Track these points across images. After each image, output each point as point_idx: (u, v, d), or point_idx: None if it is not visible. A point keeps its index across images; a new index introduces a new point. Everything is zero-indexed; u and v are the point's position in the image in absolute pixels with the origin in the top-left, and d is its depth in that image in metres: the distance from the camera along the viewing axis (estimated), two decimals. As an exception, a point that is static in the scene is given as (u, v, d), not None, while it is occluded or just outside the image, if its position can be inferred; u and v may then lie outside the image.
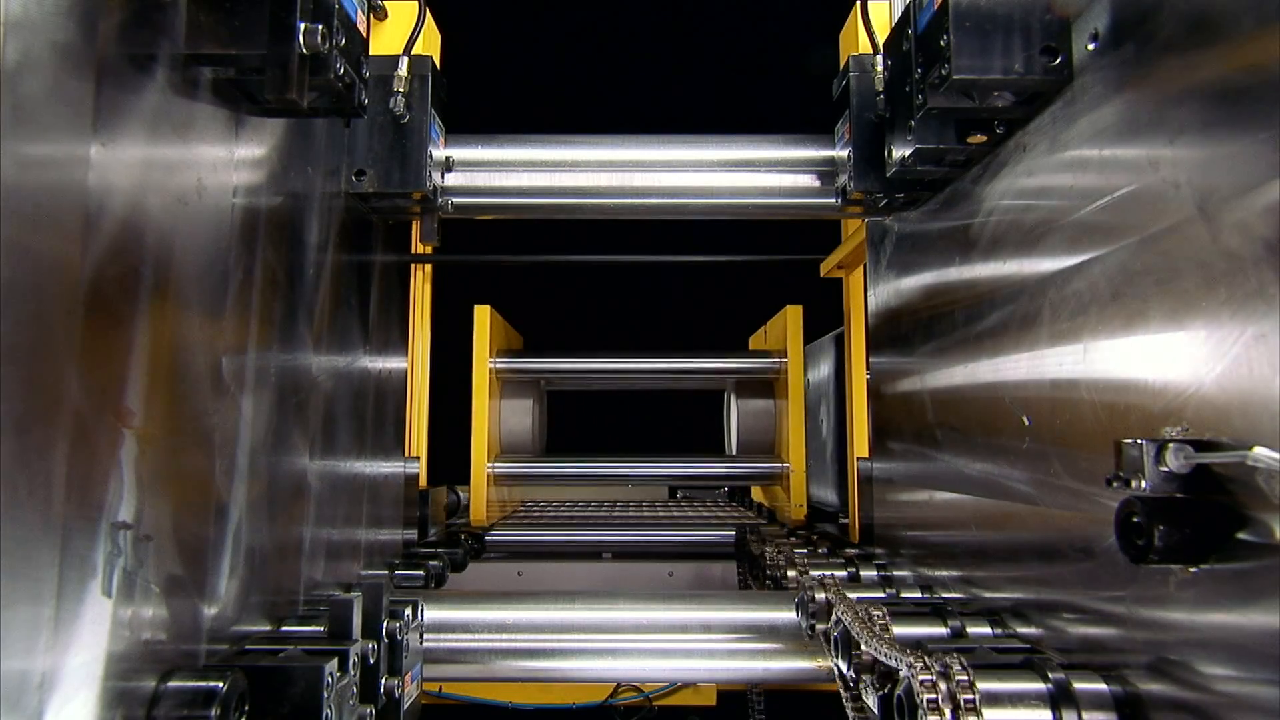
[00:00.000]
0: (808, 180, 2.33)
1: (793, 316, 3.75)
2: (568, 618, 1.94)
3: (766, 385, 4.09)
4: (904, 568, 2.22)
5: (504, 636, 1.90)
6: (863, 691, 1.56)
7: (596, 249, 3.65)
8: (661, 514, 4.21)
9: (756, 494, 4.57)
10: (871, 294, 2.49)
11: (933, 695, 1.25)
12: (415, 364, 2.74)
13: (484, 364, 3.58)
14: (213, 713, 1.21)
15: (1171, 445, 1.05)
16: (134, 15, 1.17)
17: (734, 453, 4.27)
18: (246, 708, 1.29)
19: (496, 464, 3.68)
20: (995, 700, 1.27)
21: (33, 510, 0.97)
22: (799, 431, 3.59)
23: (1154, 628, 1.17)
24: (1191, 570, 1.07)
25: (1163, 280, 1.15)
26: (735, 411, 4.16)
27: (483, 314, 3.62)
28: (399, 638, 1.61)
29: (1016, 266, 1.58)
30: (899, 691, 1.34)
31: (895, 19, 1.88)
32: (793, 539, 2.88)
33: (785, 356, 3.77)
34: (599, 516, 4.10)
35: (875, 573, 2.29)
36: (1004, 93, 1.51)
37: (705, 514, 4.18)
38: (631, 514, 4.20)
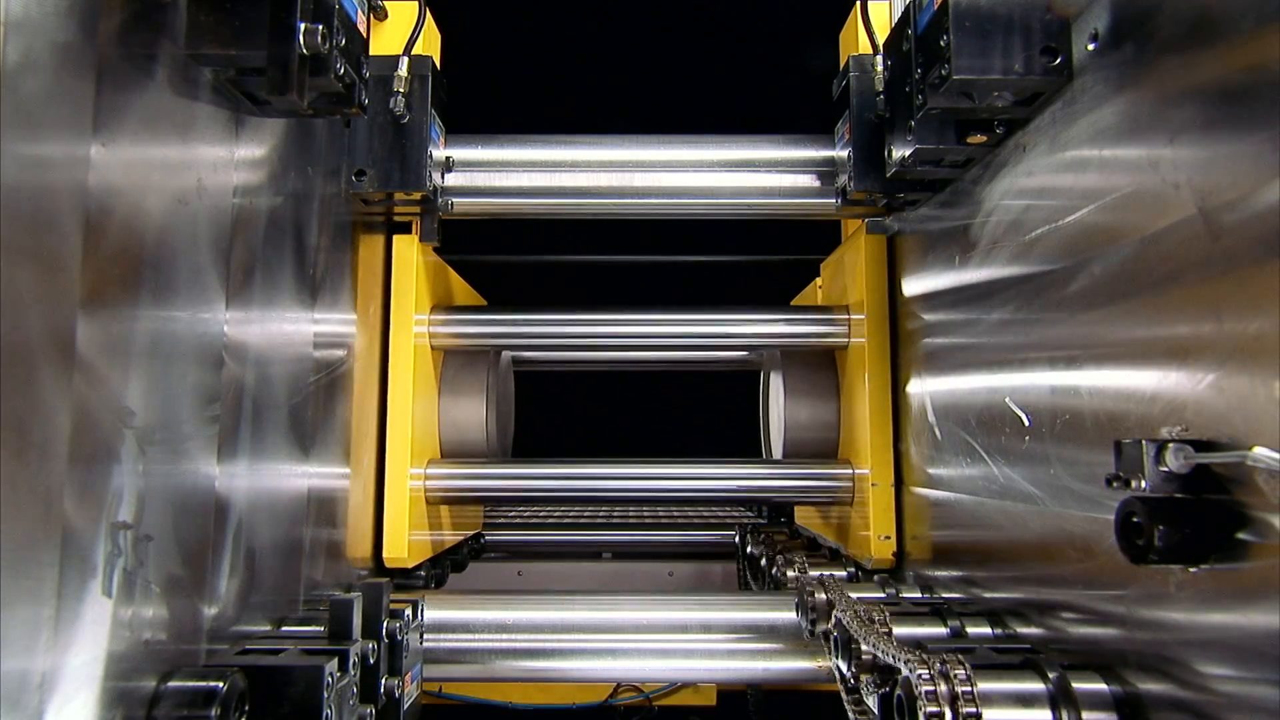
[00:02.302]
0: (808, 180, 2.33)
1: (871, 250, 2.38)
2: (568, 618, 1.95)
3: (826, 358, 2.75)
4: (905, 568, 2.22)
5: (504, 636, 1.90)
6: (863, 692, 1.56)
7: (593, 245, 3.47)
8: (662, 514, 4.21)
9: (808, 519, 3.05)
10: (871, 294, 2.48)
11: (933, 696, 1.25)
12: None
13: (408, 322, 2.34)
14: (213, 713, 1.21)
15: (1171, 445, 1.05)
16: (134, 15, 1.17)
17: (778, 456, 2.90)
18: (246, 708, 1.29)
19: (431, 471, 2.46)
20: (995, 700, 1.27)
21: (33, 510, 0.97)
22: (884, 424, 2.31)
23: (1154, 628, 1.17)
24: (1191, 570, 1.07)
25: (1162, 280, 1.15)
26: (781, 398, 2.79)
27: (406, 248, 2.38)
28: (399, 638, 1.61)
29: (1016, 267, 1.58)
30: (899, 691, 1.34)
31: (895, 19, 1.88)
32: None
33: (859, 313, 2.43)
34: (598, 517, 4.07)
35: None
36: (1004, 93, 1.51)
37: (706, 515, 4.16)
38: (632, 514, 4.20)
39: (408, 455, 2.30)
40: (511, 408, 3.19)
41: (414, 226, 2.47)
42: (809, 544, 2.93)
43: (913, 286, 2.18)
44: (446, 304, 2.65)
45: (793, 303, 3.41)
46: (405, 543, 2.26)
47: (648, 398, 4.70)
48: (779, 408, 2.87)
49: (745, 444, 3.57)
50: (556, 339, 2.73)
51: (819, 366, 2.76)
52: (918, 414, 2.11)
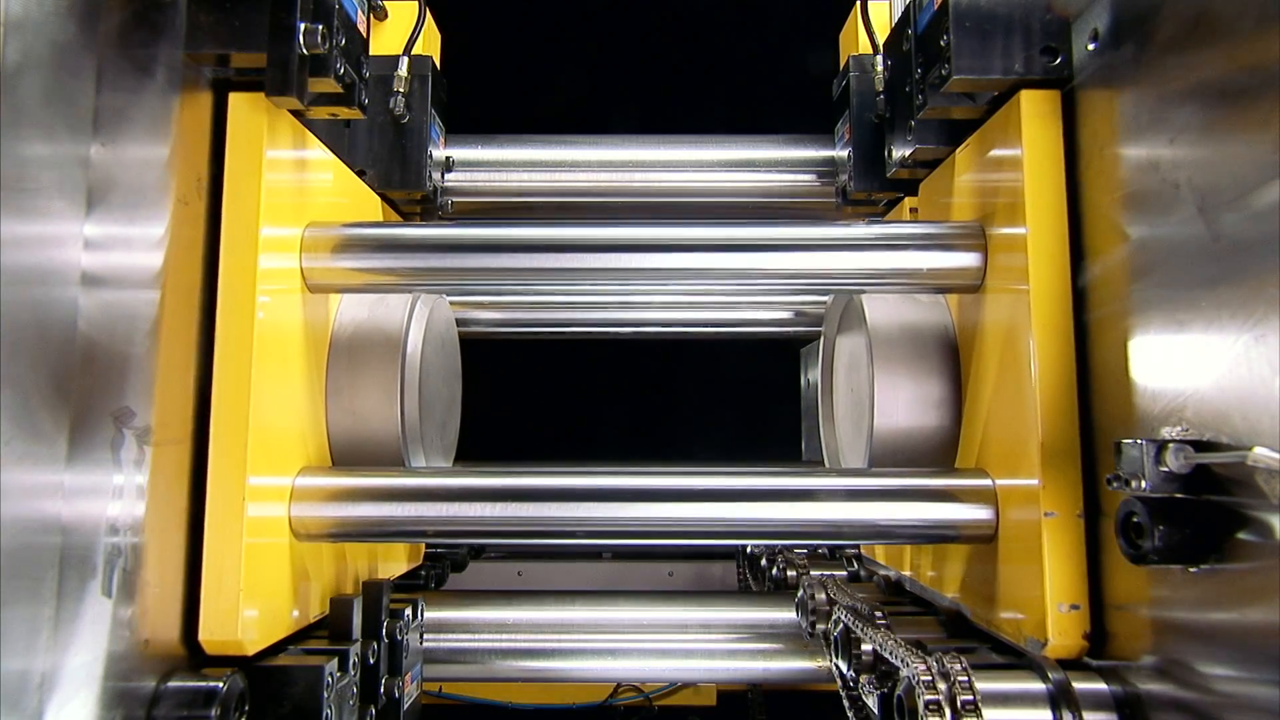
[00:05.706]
0: (808, 180, 2.33)
1: (1038, 113, 1.44)
2: (568, 617, 1.94)
3: (932, 311, 1.79)
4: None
5: (504, 636, 1.90)
6: (862, 692, 1.56)
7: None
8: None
9: (890, 560, 2.09)
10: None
11: (933, 695, 1.25)
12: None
13: (250, 243, 1.42)
14: (213, 713, 1.21)
15: (1171, 445, 1.05)
16: (134, 15, 1.17)
17: (859, 464, 1.87)
18: (246, 708, 1.29)
19: (302, 484, 1.55)
20: (995, 700, 1.27)
21: (33, 510, 0.97)
22: (1065, 411, 1.38)
23: (1154, 628, 1.17)
24: (1191, 570, 1.07)
25: (1162, 280, 1.15)
26: (864, 373, 1.79)
27: (248, 115, 1.42)
28: (399, 638, 1.61)
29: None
30: (899, 691, 1.34)
31: (895, 19, 1.88)
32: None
33: (1011, 225, 1.48)
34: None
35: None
36: (1004, 93, 1.51)
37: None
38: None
39: (244, 460, 1.38)
40: (455, 390, 2.23)
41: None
42: (894, 590, 2.06)
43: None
44: (334, 221, 1.69)
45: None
46: (237, 615, 1.33)
47: (661, 377, 3.33)
48: (853, 390, 1.92)
49: (783, 446, 2.61)
50: (521, 280, 1.69)
51: (922, 323, 1.76)
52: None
